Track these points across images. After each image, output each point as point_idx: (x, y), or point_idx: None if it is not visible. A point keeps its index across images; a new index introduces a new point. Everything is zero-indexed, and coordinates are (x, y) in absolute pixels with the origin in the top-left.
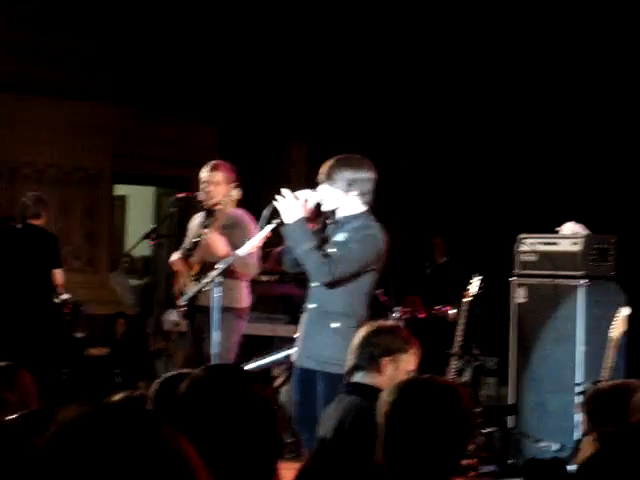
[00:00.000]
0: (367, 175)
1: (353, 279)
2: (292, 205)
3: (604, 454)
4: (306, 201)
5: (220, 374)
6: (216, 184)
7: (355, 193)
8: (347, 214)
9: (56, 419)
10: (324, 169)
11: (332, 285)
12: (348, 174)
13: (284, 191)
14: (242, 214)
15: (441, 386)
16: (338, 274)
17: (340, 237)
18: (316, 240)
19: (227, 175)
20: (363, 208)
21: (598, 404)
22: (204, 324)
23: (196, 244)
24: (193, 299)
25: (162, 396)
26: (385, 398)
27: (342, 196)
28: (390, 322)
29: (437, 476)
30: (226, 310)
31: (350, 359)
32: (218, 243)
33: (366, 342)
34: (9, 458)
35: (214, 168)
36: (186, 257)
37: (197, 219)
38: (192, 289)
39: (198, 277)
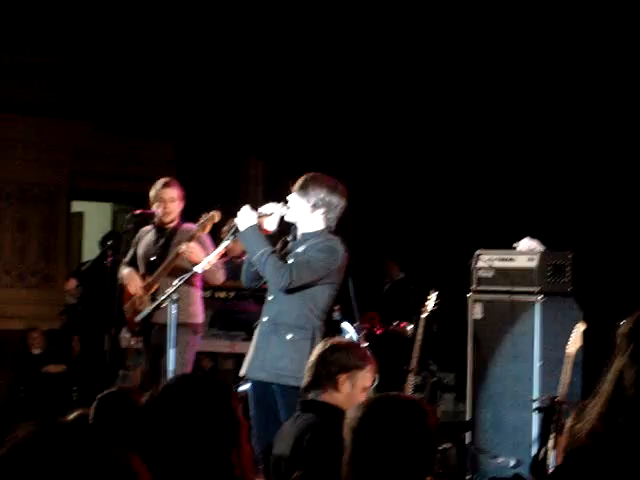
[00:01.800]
0: (338, 200)
1: (310, 290)
2: (246, 214)
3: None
4: (270, 214)
5: (189, 381)
6: (171, 201)
7: (321, 212)
8: (307, 231)
9: (7, 438)
10: (301, 180)
11: (290, 292)
12: (321, 192)
13: (244, 207)
14: (195, 227)
15: (408, 403)
16: (297, 278)
17: (300, 249)
18: (272, 246)
19: (180, 192)
20: (323, 226)
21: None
22: (162, 341)
23: (153, 262)
24: (149, 316)
25: (101, 413)
26: (352, 414)
27: (308, 211)
28: (346, 339)
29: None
30: (183, 326)
31: (306, 377)
32: (199, 252)
33: (322, 359)
34: None
35: (168, 185)
36: (143, 275)
37: (148, 236)
38: (149, 307)
39: (155, 295)
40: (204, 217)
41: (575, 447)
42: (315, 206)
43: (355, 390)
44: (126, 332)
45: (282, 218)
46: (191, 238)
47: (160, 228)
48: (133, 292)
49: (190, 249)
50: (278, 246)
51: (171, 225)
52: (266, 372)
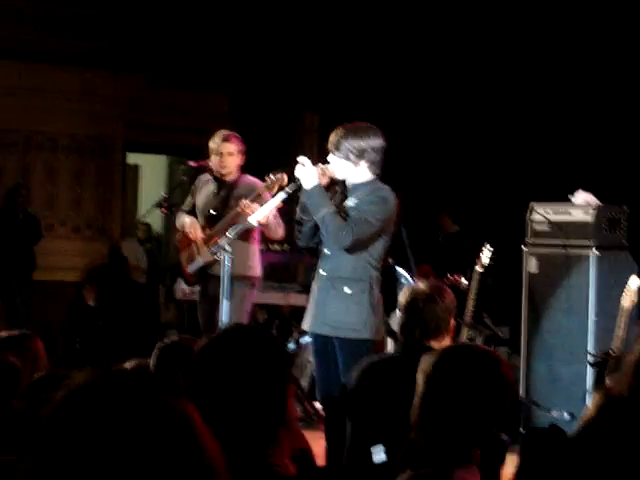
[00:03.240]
0: (375, 143)
1: (369, 242)
2: (310, 172)
3: (605, 416)
4: (322, 173)
5: (238, 334)
6: (229, 155)
7: (363, 162)
8: (356, 182)
9: (65, 384)
10: (332, 139)
11: (348, 249)
12: (355, 142)
13: (301, 158)
14: (257, 182)
15: (483, 353)
16: (357, 237)
17: (350, 202)
18: (334, 207)
19: (239, 146)
20: (372, 176)
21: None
22: (219, 293)
23: (213, 215)
24: (206, 268)
25: (162, 363)
26: (428, 360)
27: (351, 166)
28: (425, 284)
29: (470, 444)
30: (240, 279)
31: (419, 329)
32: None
33: (435, 309)
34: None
35: (226, 139)
36: (202, 227)
37: (207, 187)
38: (204, 258)
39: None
40: (272, 177)
41: (613, 399)
42: (355, 158)
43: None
44: (182, 283)
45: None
46: (256, 197)
47: (219, 180)
48: (194, 240)
49: (251, 208)
50: (331, 196)
51: (230, 178)
52: (326, 326)
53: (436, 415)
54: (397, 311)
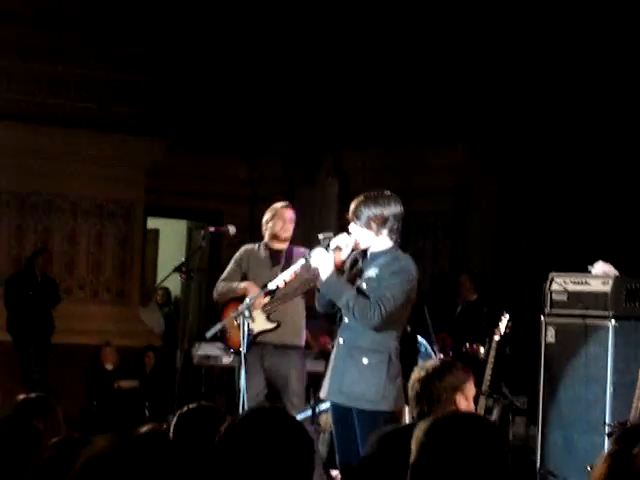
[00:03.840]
0: (395, 211)
1: (397, 316)
2: (322, 257)
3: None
4: (346, 246)
5: (263, 417)
6: (291, 222)
7: (385, 230)
8: (376, 250)
9: (85, 449)
10: (353, 207)
11: (378, 328)
12: (375, 211)
13: (318, 250)
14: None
15: (478, 421)
16: (385, 313)
17: (372, 272)
18: (354, 289)
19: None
20: (391, 244)
21: (626, 442)
22: (279, 362)
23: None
24: (255, 336)
25: (181, 428)
26: (422, 426)
27: (372, 235)
28: (434, 361)
29: None
30: (297, 348)
31: (417, 407)
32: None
33: (432, 386)
34: None
35: (288, 206)
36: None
37: (259, 257)
38: (258, 326)
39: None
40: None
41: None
42: (377, 227)
43: (469, 402)
44: (202, 349)
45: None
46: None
47: (272, 249)
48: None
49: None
50: (347, 264)
51: (284, 246)
52: (344, 396)
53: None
54: None
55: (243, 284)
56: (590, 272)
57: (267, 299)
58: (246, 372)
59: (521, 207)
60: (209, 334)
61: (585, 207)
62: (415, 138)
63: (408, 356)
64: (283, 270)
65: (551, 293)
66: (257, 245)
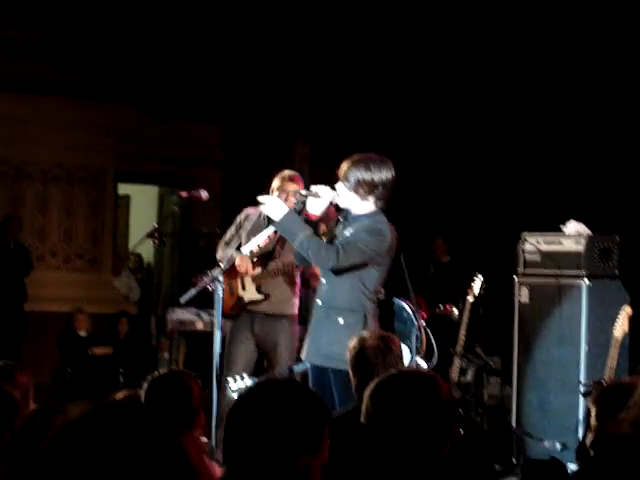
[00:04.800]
0: (384, 176)
1: (360, 272)
2: (273, 203)
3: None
4: (315, 194)
5: (275, 390)
6: (296, 195)
7: (369, 193)
8: (358, 213)
9: (59, 417)
10: (342, 168)
11: (339, 273)
12: (365, 174)
13: (260, 198)
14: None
15: (419, 377)
16: (343, 259)
17: (347, 232)
18: (310, 229)
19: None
20: (374, 208)
21: (606, 401)
22: (269, 331)
23: (268, 254)
24: (247, 304)
25: (152, 394)
26: (372, 385)
27: (357, 199)
28: (372, 334)
29: (420, 467)
30: (287, 317)
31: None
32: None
33: (383, 357)
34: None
35: (292, 179)
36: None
37: (257, 222)
38: (248, 295)
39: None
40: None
41: (617, 435)
42: (362, 189)
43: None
44: (176, 313)
45: (332, 203)
46: None
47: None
48: (244, 274)
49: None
50: (332, 226)
51: None
52: (321, 356)
53: (380, 436)
54: None
55: (237, 258)
56: (562, 231)
57: (259, 270)
58: (236, 337)
59: (493, 167)
60: (184, 299)
61: (556, 166)
62: None
63: (385, 322)
64: (280, 241)
65: (524, 253)
66: (258, 210)
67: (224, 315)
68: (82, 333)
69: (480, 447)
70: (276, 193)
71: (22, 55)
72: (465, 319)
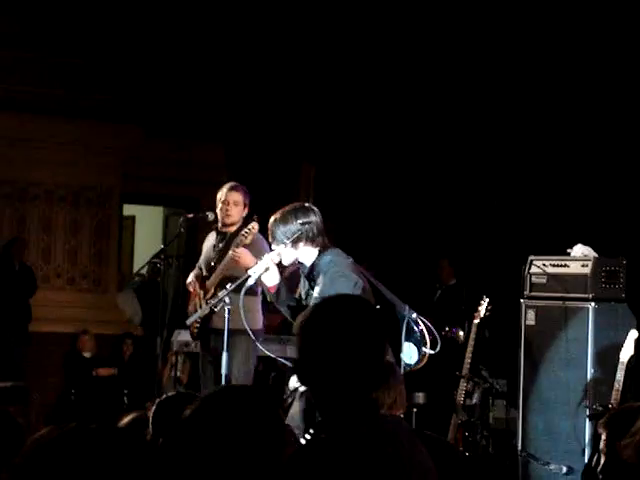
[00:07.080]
0: (305, 220)
1: None
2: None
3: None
4: (266, 269)
5: (233, 395)
6: (235, 204)
7: (301, 244)
8: (309, 262)
9: (32, 437)
10: (269, 229)
11: None
12: (286, 229)
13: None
14: (259, 237)
15: (352, 303)
16: None
17: (315, 293)
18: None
19: (245, 197)
20: (316, 251)
21: (616, 426)
22: (220, 346)
23: (212, 267)
24: (207, 321)
25: (160, 416)
26: (301, 317)
27: (292, 251)
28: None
29: (353, 393)
30: (243, 332)
31: None
32: (247, 256)
33: None
34: None
35: (233, 188)
36: (202, 279)
37: (209, 240)
38: (202, 311)
39: (212, 299)
40: (247, 228)
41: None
42: (294, 242)
43: None
44: (182, 335)
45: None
46: (238, 245)
47: (221, 232)
48: (194, 294)
49: (238, 254)
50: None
51: (232, 229)
52: None
53: (311, 370)
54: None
55: (189, 278)
56: (569, 255)
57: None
58: (202, 358)
59: (499, 190)
60: (189, 321)
61: (563, 189)
62: None
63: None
64: (222, 251)
65: (530, 276)
66: (213, 230)
67: (193, 337)
68: (87, 354)
69: (486, 470)
70: (220, 205)
71: (28, 75)
72: (471, 342)
